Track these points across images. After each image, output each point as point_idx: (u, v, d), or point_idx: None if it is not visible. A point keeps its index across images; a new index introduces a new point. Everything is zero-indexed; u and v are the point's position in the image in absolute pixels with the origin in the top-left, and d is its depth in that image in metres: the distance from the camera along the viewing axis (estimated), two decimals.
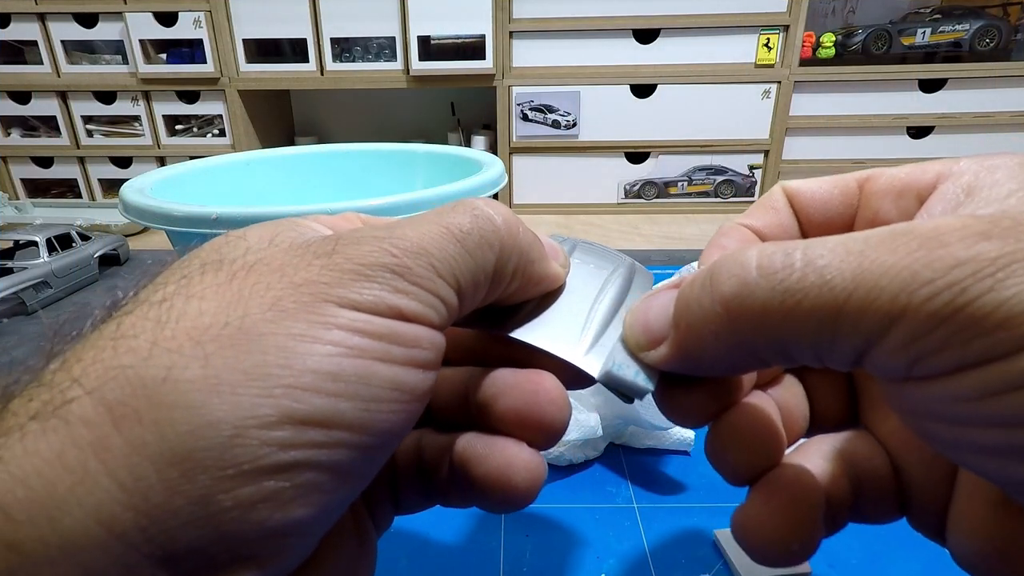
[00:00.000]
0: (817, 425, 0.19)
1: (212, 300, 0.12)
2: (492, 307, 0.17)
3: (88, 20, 1.41)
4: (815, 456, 0.17)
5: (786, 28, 1.36)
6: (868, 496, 0.17)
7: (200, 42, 1.40)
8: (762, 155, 1.47)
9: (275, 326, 0.11)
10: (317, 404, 0.11)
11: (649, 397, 0.28)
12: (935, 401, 0.11)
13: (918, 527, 0.17)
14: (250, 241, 0.14)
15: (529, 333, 0.16)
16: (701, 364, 0.14)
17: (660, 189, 1.51)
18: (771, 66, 1.39)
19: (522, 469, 0.15)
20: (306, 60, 1.42)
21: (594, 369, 0.16)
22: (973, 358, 0.10)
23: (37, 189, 1.62)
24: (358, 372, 0.12)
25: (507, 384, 0.15)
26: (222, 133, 1.52)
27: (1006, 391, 0.10)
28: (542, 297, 0.17)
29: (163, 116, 1.50)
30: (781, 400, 0.18)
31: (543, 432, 0.15)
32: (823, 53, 1.42)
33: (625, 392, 0.15)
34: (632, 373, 0.15)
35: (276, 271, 0.12)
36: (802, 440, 0.19)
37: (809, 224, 0.18)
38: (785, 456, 0.17)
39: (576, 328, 0.17)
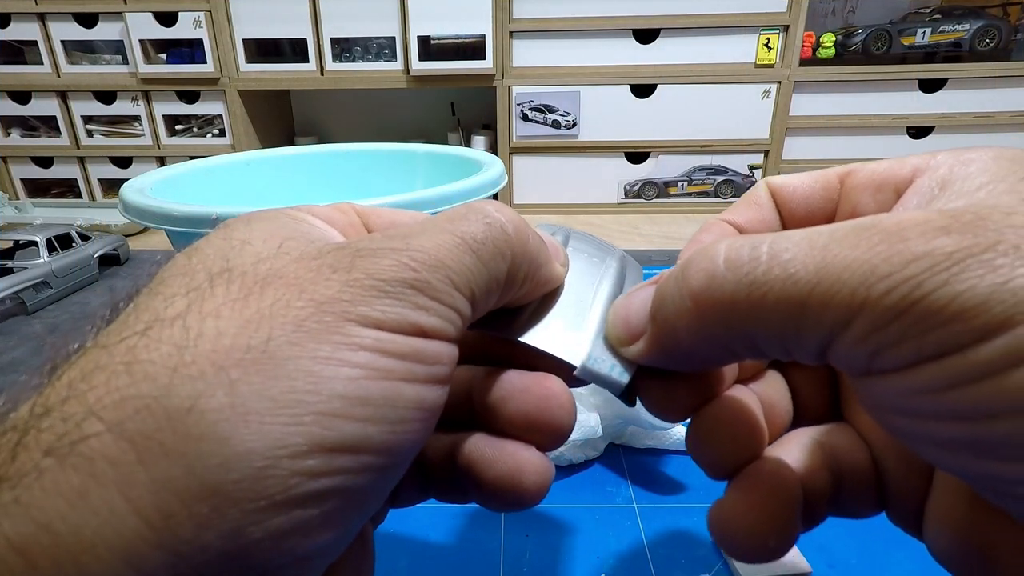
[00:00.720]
0: (801, 419, 0.19)
1: (229, 319, 0.11)
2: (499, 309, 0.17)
3: (88, 20, 1.41)
4: (795, 449, 0.17)
5: (786, 28, 1.36)
6: (848, 489, 0.17)
7: (200, 42, 1.40)
8: (762, 155, 1.47)
9: (300, 349, 0.11)
10: (347, 431, 0.11)
11: None
12: (896, 395, 0.11)
13: (897, 521, 0.17)
14: (256, 246, 0.13)
15: (535, 336, 0.16)
16: (676, 357, 0.15)
17: (660, 189, 1.51)
18: (771, 66, 1.39)
19: (532, 473, 0.15)
20: (306, 60, 1.41)
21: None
22: (929, 351, 0.10)
23: (37, 189, 1.62)
24: (385, 395, 0.11)
25: (515, 388, 0.16)
26: (222, 133, 1.52)
27: (962, 384, 0.10)
28: (547, 296, 0.17)
29: (163, 116, 1.50)
30: (763, 394, 0.18)
31: (552, 436, 0.15)
32: (823, 53, 1.42)
33: (601, 385, 0.16)
34: (608, 367, 0.16)
35: (293, 286, 0.12)
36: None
37: (792, 219, 0.18)
38: (767, 449, 0.17)
39: (577, 328, 0.17)
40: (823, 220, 0.18)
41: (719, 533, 0.16)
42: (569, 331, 0.17)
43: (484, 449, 0.15)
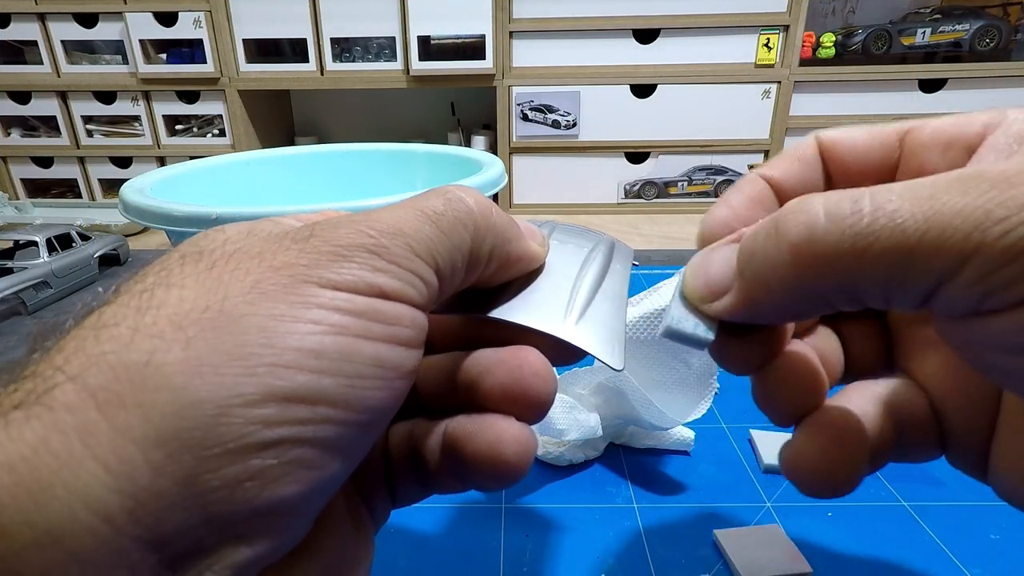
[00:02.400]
0: (852, 372, 0.19)
1: (192, 288, 0.12)
2: (475, 291, 0.17)
3: (88, 20, 1.41)
4: (857, 399, 0.18)
5: (786, 28, 1.36)
6: (910, 437, 0.17)
7: (200, 42, 1.40)
8: (762, 155, 1.47)
9: (255, 307, 0.11)
10: (300, 381, 0.11)
11: (651, 398, 0.28)
12: (1002, 333, 0.12)
13: (958, 464, 0.17)
14: (228, 233, 0.14)
15: (511, 312, 0.16)
16: (767, 311, 0.15)
17: (660, 189, 1.50)
18: (771, 66, 1.39)
19: (512, 443, 0.15)
20: (306, 60, 1.41)
21: (579, 340, 0.16)
22: None
23: (37, 189, 1.62)
24: (340, 349, 0.12)
25: (491, 362, 0.16)
26: (222, 133, 1.52)
27: None
28: (524, 278, 0.17)
29: (163, 116, 1.50)
30: (818, 348, 0.19)
31: (530, 405, 0.15)
32: (823, 53, 1.42)
33: (686, 344, 0.16)
34: (692, 326, 0.16)
35: (255, 257, 0.13)
36: (839, 387, 0.19)
37: (843, 177, 0.18)
38: (829, 402, 0.18)
39: (560, 304, 0.17)
40: (878, 178, 0.18)
41: (792, 472, 0.16)
42: (552, 307, 0.17)
43: (465, 425, 0.15)
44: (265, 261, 0.12)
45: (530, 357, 0.15)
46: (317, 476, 0.12)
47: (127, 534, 0.10)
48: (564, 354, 0.16)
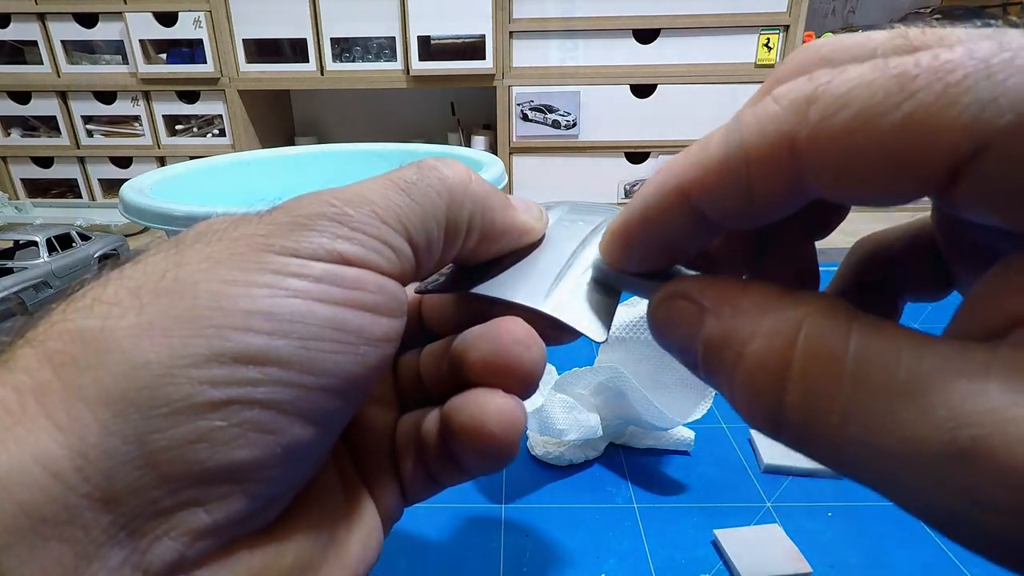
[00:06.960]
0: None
1: (156, 264, 0.12)
2: (473, 269, 0.17)
3: (88, 20, 1.41)
4: None
5: (786, 28, 1.36)
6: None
7: (200, 42, 1.40)
8: None
9: (208, 274, 0.12)
10: (249, 342, 0.11)
11: (651, 399, 0.28)
12: None
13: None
14: (210, 220, 0.14)
15: (494, 287, 0.16)
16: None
17: None
18: (771, 66, 1.39)
19: (495, 413, 0.14)
20: (306, 60, 1.41)
21: (558, 312, 0.15)
22: None
23: (37, 189, 1.62)
24: (293, 311, 0.12)
25: (474, 336, 0.15)
26: (222, 133, 1.52)
27: None
28: (521, 253, 0.17)
29: (163, 116, 1.50)
30: None
31: (513, 374, 0.15)
32: None
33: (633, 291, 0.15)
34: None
35: (216, 232, 0.13)
36: None
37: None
38: None
39: (548, 278, 0.16)
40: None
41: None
42: (540, 282, 0.16)
43: (454, 402, 0.15)
44: (226, 235, 0.13)
45: (510, 326, 0.15)
46: (275, 441, 0.12)
47: (76, 490, 0.10)
48: (552, 330, 0.16)
